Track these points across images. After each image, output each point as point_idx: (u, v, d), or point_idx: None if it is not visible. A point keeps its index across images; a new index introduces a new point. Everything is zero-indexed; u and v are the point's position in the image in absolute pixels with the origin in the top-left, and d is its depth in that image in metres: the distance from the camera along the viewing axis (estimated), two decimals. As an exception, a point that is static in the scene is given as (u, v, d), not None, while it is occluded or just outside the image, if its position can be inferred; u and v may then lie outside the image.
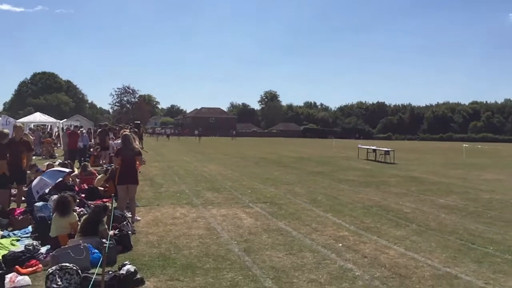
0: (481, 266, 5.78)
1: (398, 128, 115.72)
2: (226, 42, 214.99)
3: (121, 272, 4.71)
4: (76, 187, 10.51)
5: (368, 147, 28.67)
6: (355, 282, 5.09)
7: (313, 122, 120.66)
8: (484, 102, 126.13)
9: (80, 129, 19.97)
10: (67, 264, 4.52)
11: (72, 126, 23.23)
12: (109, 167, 12.25)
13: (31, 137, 14.64)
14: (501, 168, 21.53)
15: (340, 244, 6.75)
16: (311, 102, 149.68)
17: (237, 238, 6.99)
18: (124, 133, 9.11)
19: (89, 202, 9.05)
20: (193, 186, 12.95)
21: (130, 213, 7.96)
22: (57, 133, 31.48)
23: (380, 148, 26.61)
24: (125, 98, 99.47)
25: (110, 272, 4.65)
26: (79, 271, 4.55)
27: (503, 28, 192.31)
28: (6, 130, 9.26)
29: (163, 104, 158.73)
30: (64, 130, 20.88)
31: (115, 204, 7.21)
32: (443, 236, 7.37)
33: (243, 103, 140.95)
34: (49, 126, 33.60)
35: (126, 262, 5.03)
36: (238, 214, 8.94)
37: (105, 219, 6.57)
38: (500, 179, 16.32)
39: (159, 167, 18.50)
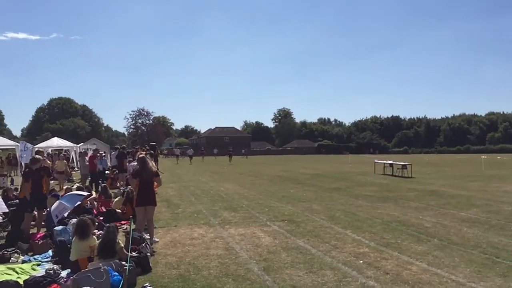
0: (507, 280, 5.64)
1: (414, 142, 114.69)
2: (238, 61, 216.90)
3: (142, 294, 4.69)
4: (94, 210, 10.59)
5: (384, 161, 28.39)
6: (378, 299, 4.99)
7: (327, 138, 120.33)
8: (501, 113, 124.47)
9: (100, 153, 20.19)
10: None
11: (91, 150, 23.69)
12: (126, 189, 12.33)
13: (48, 162, 14.84)
14: (522, 179, 21.10)
15: (361, 261, 6.65)
16: (325, 118, 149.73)
17: (256, 257, 6.94)
18: (141, 155, 9.18)
19: (107, 225, 9.08)
20: (210, 206, 12.95)
21: (148, 234, 7.98)
22: (72, 157, 31.88)
23: (397, 162, 26.35)
24: (139, 121, 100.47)
25: (131, 295, 4.64)
26: (100, 294, 4.55)
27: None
28: (37, 156, 9.45)
29: (178, 125, 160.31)
30: (83, 154, 21.18)
31: (133, 226, 7.24)
32: (466, 250, 7.21)
33: (256, 122, 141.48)
34: (66, 150, 34.08)
35: (147, 284, 5.03)
36: (256, 233, 8.88)
37: (120, 240, 6.61)
38: (522, 190, 15.99)
39: (175, 188, 18.55)
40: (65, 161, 20.60)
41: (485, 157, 44.27)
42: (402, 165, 24.83)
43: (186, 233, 8.93)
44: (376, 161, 30.26)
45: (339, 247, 7.59)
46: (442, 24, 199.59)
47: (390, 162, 27.19)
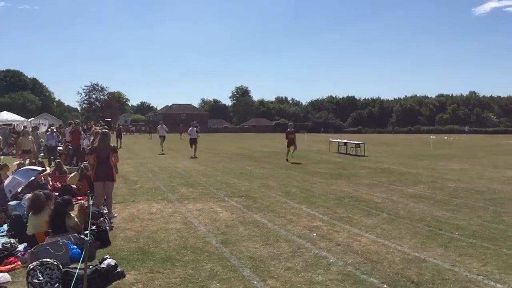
0: (447, 250, 6.10)
1: (368, 122, 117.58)
2: (196, 38, 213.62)
3: (102, 266, 4.78)
4: (49, 186, 10.42)
5: (339, 140, 29.16)
6: (329, 268, 5.31)
7: (284, 117, 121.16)
8: (450, 95, 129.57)
9: (51, 128, 19.63)
10: (48, 260, 4.56)
11: (43, 125, 22.83)
12: (81, 165, 12.16)
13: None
14: (466, 158, 22.30)
15: (315, 234, 6.97)
16: (282, 97, 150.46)
17: (214, 231, 7.13)
18: (97, 130, 9.09)
19: (57, 200, 8.99)
20: (167, 182, 12.99)
21: (106, 209, 7.99)
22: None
23: (351, 141, 27.13)
24: (93, 96, 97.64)
25: (91, 267, 4.71)
26: (60, 266, 4.59)
27: (467, 22, 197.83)
28: None
29: (133, 101, 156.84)
30: (35, 129, 20.30)
31: (91, 201, 7.23)
32: (412, 224, 7.69)
33: (214, 99, 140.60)
34: (16, 124, 32.78)
35: (106, 256, 5.11)
36: (214, 208, 9.07)
37: (72, 213, 6.62)
38: (465, 169, 16.95)
39: (132, 164, 18.39)
40: (31, 137, 17.11)
41: (434, 137, 46.25)
42: (356, 144, 25.61)
43: (144, 208, 9.00)
44: (331, 139, 31.03)
45: (294, 221, 7.89)
46: (395, 4, 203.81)
47: (345, 141, 27.96)
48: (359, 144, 25.40)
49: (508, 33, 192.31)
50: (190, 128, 24.10)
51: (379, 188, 11.90)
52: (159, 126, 27.94)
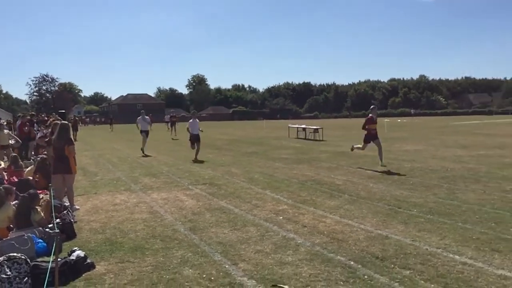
0: (407, 226, 6.39)
1: (324, 107, 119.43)
2: (150, 26, 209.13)
3: (71, 258, 4.72)
4: (4, 181, 10.05)
5: (298, 126, 29.55)
6: (298, 249, 5.46)
7: (242, 105, 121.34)
8: (401, 79, 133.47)
9: (1, 121, 18.78)
10: (15, 254, 4.46)
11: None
12: (37, 158, 11.80)
13: None
14: (419, 140, 23.17)
15: (281, 217, 7.12)
16: (239, 85, 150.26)
17: (181, 219, 7.14)
18: (55, 122, 8.84)
19: (22, 195, 8.71)
20: (129, 173, 12.82)
21: (68, 202, 7.82)
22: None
23: (309, 127, 27.57)
24: (44, 87, 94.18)
25: (60, 259, 4.65)
26: (28, 260, 4.50)
27: (415, 8, 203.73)
28: None
29: (86, 92, 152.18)
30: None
31: (52, 194, 7.07)
32: (373, 203, 7.98)
33: (170, 88, 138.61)
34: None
35: (75, 248, 5.04)
36: (179, 196, 9.06)
37: (39, 208, 6.47)
38: (419, 149, 17.64)
39: (90, 156, 17.99)
40: (6, 131, 15.22)
41: (388, 120, 47.61)
42: (314, 129, 26.06)
43: (107, 200, 8.87)
44: (290, 125, 31.41)
45: (260, 206, 8.02)
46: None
47: (303, 126, 28.39)
48: (317, 129, 25.85)
49: (453, 19, 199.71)
50: (191, 120, 16.67)
51: (339, 171, 12.22)
52: (140, 117, 19.72)
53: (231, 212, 7.59)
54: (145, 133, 19.34)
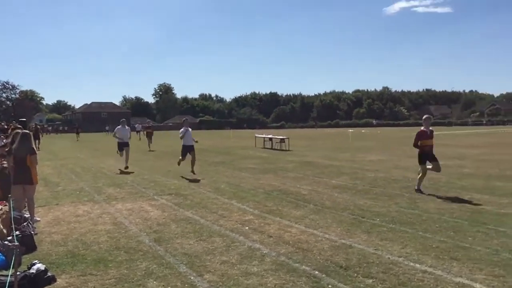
0: (370, 235, 6.53)
1: (291, 117, 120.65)
2: (115, 34, 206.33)
3: (31, 271, 4.59)
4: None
5: (264, 136, 29.71)
6: (263, 259, 5.49)
7: (208, 114, 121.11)
8: (366, 90, 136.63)
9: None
10: (-29, 269, 4.30)
11: None
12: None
13: None
14: (382, 150, 23.71)
15: (247, 227, 7.13)
16: (206, 94, 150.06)
17: (146, 230, 7.05)
18: (17, 130, 8.58)
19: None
20: (92, 183, 12.55)
21: (28, 214, 7.59)
22: None
23: (276, 137, 27.77)
24: (4, 95, 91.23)
25: (19, 273, 4.51)
26: (-15, 274, 4.35)
27: (379, 21, 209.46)
28: None
29: (48, 100, 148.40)
30: None
31: (12, 205, 6.85)
32: (337, 213, 8.11)
33: (136, 97, 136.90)
34: None
35: (35, 261, 4.90)
36: (144, 207, 8.94)
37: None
38: (382, 159, 18.04)
39: (52, 166, 17.51)
40: None
41: (352, 130, 48.56)
42: (281, 139, 26.26)
43: (69, 211, 8.65)
44: (256, 135, 31.53)
45: (226, 216, 8.01)
46: (312, 4, 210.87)
47: (270, 136, 28.56)
48: (283, 139, 26.07)
49: (415, 32, 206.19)
50: (182, 129, 14.43)
51: (305, 180, 12.35)
52: (119, 127, 16.36)
53: (197, 222, 7.55)
54: (125, 146, 16.01)
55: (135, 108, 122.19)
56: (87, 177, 13.83)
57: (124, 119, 17.84)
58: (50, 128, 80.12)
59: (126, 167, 15.59)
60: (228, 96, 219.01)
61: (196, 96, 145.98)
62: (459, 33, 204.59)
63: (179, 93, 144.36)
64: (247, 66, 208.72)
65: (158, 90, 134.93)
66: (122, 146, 16.06)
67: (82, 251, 5.94)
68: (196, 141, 14.80)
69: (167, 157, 21.17)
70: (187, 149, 14.37)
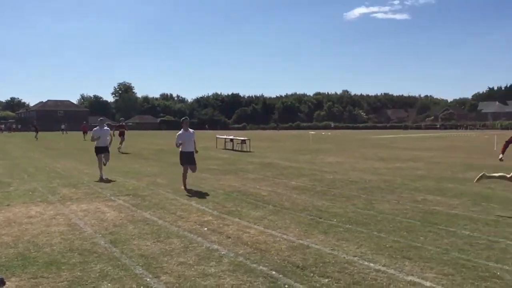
0: (327, 236, 6.63)
1: (252, 118, 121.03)
2: (74, 31, 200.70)
3: (-22, 275, 4.39)
4: None
5: (225, 137, 29.67)
6: (221, 260, 5.47)
7: (169, 114, 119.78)
8: (326, 93, 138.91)
9: None
10: None
11: None
12: None
13: None
14: (341, 152, 24.17)
15: (205, 228, 7.10)
16: (167, 94, 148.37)
17: (102, 231, 6.89)
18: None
19: None
20: (46, 183, 12.15)
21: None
22: None
23: (237, 138, 27.79)
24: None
25: (-36, 277, 4.31)
26: None
27: (339, 26, 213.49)
28: None
29: (1, 97, 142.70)
30: None
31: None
32: (296, 214, 8.19)
33: (95, 95, 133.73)
34: None
35: (-18, 264, 4.70)
36: (100, 208, 8.73)
37: None
38: (341, 161, 18.39)
39: (3, 165, 16.84)
40: None
41: (313, 133, 49.23)
42: (242, 140, 26.31)
43: (21, 212, 8.34)
44: (218, 136, 31.45)
45: (184, 217, 7.94)
46: (274, 7, 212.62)
47: (231, 137, 28.55)
48: (244, 140, 26.13)
49: (374, 37, 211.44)
50: (180, 132, 11.17)
51: (265, 182, 12.42)
52: (97, 128, 13.48)
53: (154, 223, 7.44)
54: (104, 151, 13.41)
55: (93, 107, 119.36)
56: (41, 177, 13.38)
57: (102, 118, 14.85)
58: (3, 126, 77.08)
59: (101, 177, 12.89)
60: (190, 96, 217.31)
61: (157, 96, 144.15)
62: (415, 40, 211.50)
63: (139, 93, 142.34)
64: (209, 67, 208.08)
65: (118, 89, 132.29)
66: (101, 151, 13.31)
67: (33, 253, 5.74)
68: (197, 151, 11.70)
69: (127, 158, 20.79)
70: (187, 158, 11.25)
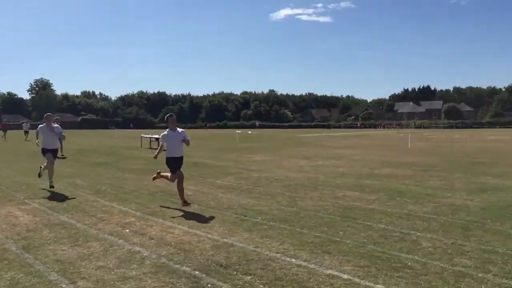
0: (252, 233, 6.70)
1: (179, 117, 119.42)
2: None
3: None
4: None
5: (151, 136, 29.03)
6: (143, 262, 5.34)
7: (92, 112, 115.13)
8: (253, 93, 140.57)
9: None
10: None
11: None
12: None
13: None
14: (267, 150, 24.55)
15: (127, 230, 6.89)
16: (89, 92, 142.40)
17: (13, 237, 6.46)
18: None
19: None
20: (-50, 186, 11.18)
21: None
22: None
23: (163, 137, 27.25)
24: None
25: None
26: None
27: (265, 26, 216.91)
28: None
29: None
30: None
31: None
32: (221, 212, 8.20)
33: (8, 92, 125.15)
34: None
35: None
36: (12, 212, 8.19)
37: None
38: (267, 160, 18.67)
39: None
40: None
41: (240, 131, 49.57)
42: (168, 139, 25.84)
43: None
44: (143, 135, 30.69)
45: (105, 219, 7.66)
46: (201, 5, 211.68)
47: (156, 136, 27.94)
48: (170, 139, 25.68)
49: (299, 38, 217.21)
50: (165, 132, 9.27)
51: (191, 181, 12.29)
52: (43, 126, 11.42)
53: (73, 227, 7.10)
54: (51, 153, 11.42)
55: (6, 105, 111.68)
56: None
57: (49, 114, 11.78)
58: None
59: (51, 185, 10.96)
60: (114, 94, 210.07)
61: (78, 93, 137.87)
62: (338, 42, 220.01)
63: (59, 90, 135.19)
64: (135, 64, 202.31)
65: (34, 86, 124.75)
66: (47, 152, 11.40)
67: None
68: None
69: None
70: (174, 163, 9.04)
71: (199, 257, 5.52)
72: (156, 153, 9.66)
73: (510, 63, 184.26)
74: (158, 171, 9.92)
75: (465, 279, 4.72)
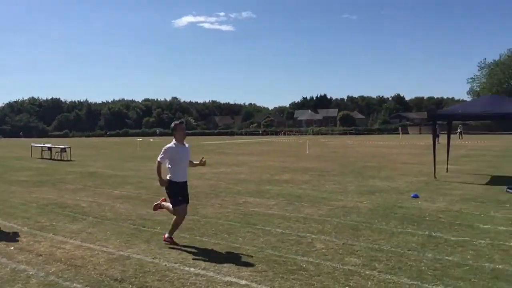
0: (150, 244, 6.51)
1: (76, 125, 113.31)
2: None
3: None
4: None
5: (42, 145, 27.16)
6: (28, 281, 4.95)
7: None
8: (155, 100, 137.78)
9: None
10: None
11: None
12: None
13: None
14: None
15: (12, 247, 6.35)
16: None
17: None
18: None
19: None
20: None
21: None
22: None
23: (56, 146, 25.65)
24: None
25: None
26: None
27: (168, 33, 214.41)
28: None
29: None
30: None
31: None
32: (118, 224, 7.88)
33: None
34: None
35: None
36: None
37: None
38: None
39: None
40: None
41: (141, 139, 48.20)
42: (61, 148, 24.39)
43: None
44: (33, 144, 28.62)
45: (-14, 237, 6.98)
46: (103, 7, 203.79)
47: (48, 145, 26.26)
48: (64, 148, 24.27)
49: (202, 46, 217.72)
50: (171, 145, 6.83)
51: (86, 192, 11.68)
52: None
53: None
54: None
55: None
56: None
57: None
58: None
59: None
60: (1, 100, 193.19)
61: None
62: (240, 50, 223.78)
63: None
64: (25, 68, 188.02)
65: None
66: None
67: None
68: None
69: None
70: (183, 190, 6.91)
71: (92, 272, 5.25)
72: (160, 178, 6.88)
73: (397, 74, 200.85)
74: (163, 198, 7.45)
75: (354, 277, 5.02)
